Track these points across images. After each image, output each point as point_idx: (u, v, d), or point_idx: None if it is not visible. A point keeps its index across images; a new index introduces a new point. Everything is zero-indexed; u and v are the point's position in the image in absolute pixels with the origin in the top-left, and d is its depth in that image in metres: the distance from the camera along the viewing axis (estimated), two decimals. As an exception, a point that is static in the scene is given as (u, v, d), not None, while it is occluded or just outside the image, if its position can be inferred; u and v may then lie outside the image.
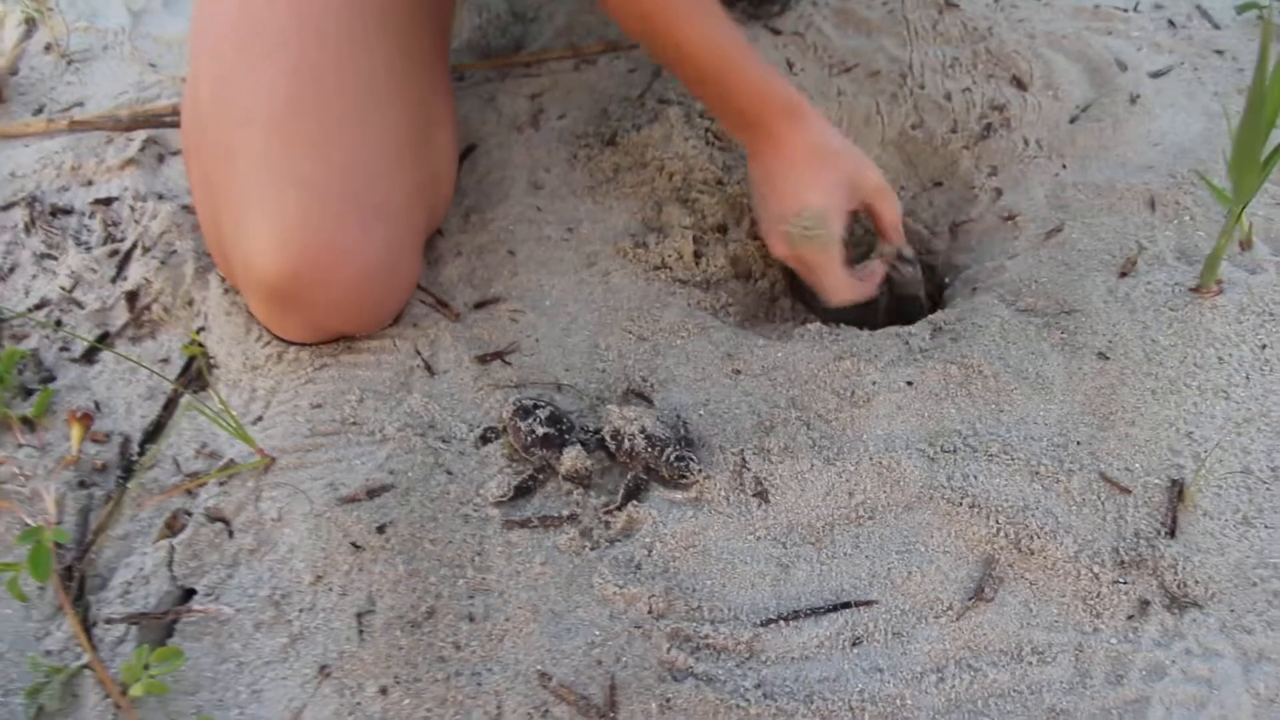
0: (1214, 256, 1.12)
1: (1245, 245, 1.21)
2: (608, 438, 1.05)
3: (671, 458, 1.02)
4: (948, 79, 1.51)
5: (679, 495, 1.02)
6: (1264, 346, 1.11)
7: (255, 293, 1.09)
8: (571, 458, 1.03)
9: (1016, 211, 1.34)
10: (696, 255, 1.30)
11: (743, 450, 1.05)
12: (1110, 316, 1.15)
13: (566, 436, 1.05)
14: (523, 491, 1.03)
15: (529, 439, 1.04)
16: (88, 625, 0.99)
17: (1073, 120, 1.44)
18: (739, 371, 1.14)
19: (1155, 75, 1.48)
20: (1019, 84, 1.49)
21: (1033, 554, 0.96)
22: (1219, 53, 1.52)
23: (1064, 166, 1.38)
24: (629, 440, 1.04)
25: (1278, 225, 1.23)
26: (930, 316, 1.22)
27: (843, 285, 1.22)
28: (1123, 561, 0.95)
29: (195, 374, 1.20)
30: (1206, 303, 1.14)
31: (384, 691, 0.90)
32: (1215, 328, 1.12)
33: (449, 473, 1.05)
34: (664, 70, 1.51)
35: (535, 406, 1.07)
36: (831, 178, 1.19)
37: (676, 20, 1.12)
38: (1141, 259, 1.21)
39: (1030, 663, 0.90)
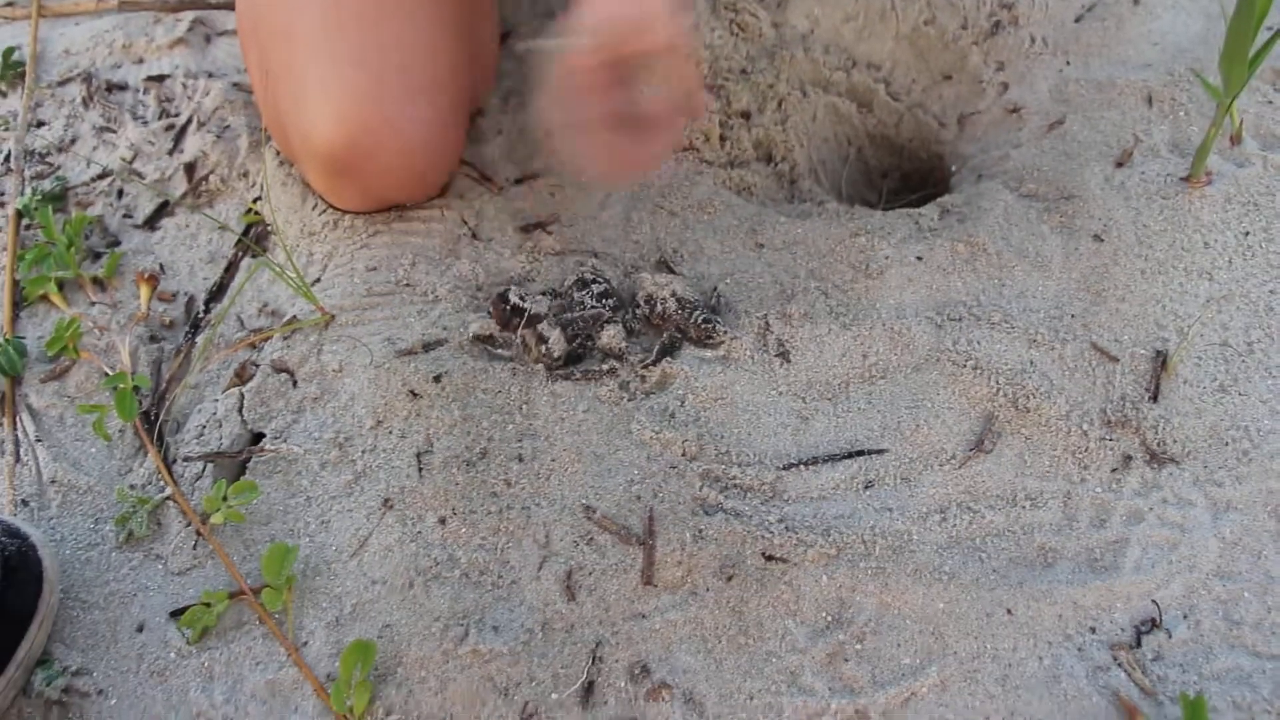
0: (1203, 148, 1.20)
1: (1235, 140, 1.28)
2: (641, 301, 1.14)
3: (699, 320, 1.11)
4: (960, -23, 1.57)
5: (709, 353, 1.11)
6: (1246, 234, 1.19)
7: (313, 163, 1.17)
8: (609, 335, 1.12)
9: (1021, 105, 1.41)
10: (722, 138, 1.37)
11: (766, 315, 1.13)
12: (1106, 203, 1.23)
13: (611, 315, 1.13)
14: (573, 359, 1.12)
15: (578, 308, 1.13)
16: (168, 462, 1.08)
17: (1078, 19, 1.50)
18: (762, 245, 1.22)
19: (1158, -23, 1.54)
20: (1028, -17, 1.55)
21: (1028, 412, 1.05)
22: (1221, -45, 1.58)
23: (1068, 63, 1.44)
24: (661, 304, 1.12)
25: (1267, 122, 1.30)
26: (939, 199, 1.29)
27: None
28: (1109, 421, 1.05)
29: (255, 239, 1.28)
30: (1196, 192, 1.22)
31: (443, 522, 1.00)
32: (1203, 215, 1.20)
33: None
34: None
35: (593, 281, 1.15)
36: None
37: None
38: (1137, 150, 1.29)
39: (1023, 507, 1.00)
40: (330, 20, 1.12)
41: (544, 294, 1.15)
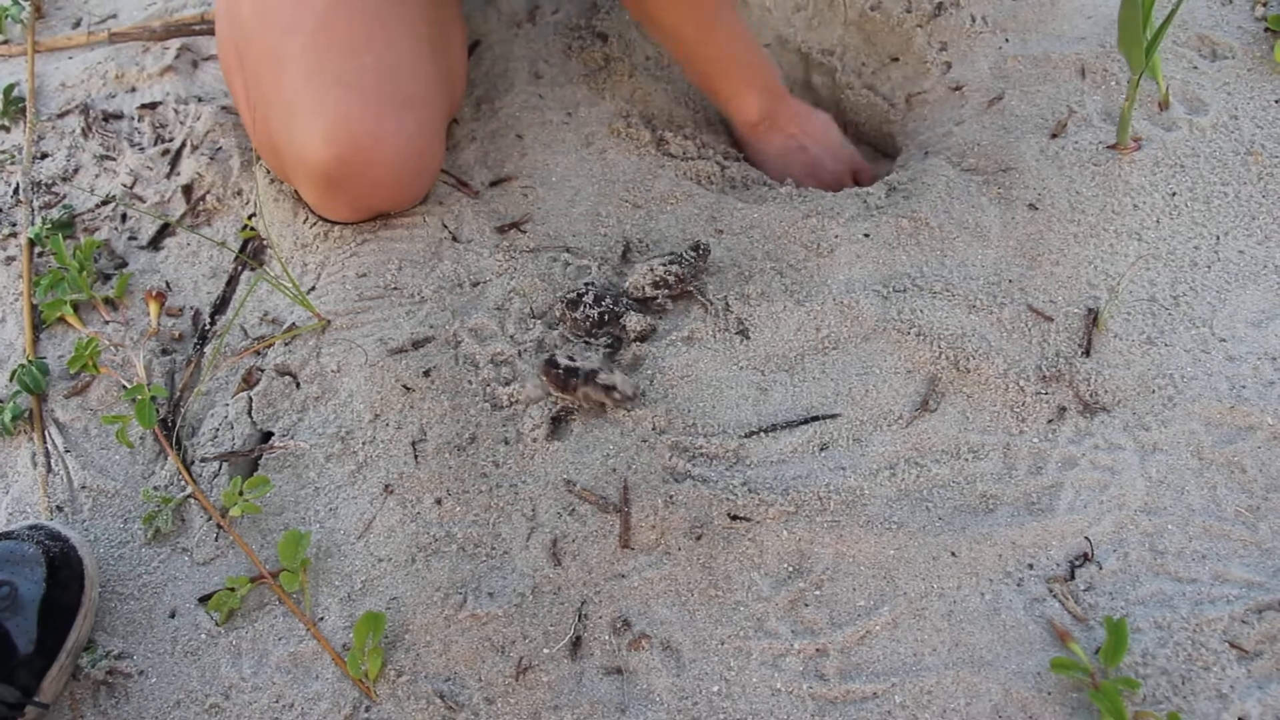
0: (1123, 119, 1.29)
1: (1163, 106, 1.37)
2: (650, 288, 1.23)
3: (701, 252, 1.24)
4: (904, -37, 1.66)
5: (675, 335, 1.20)
6: (1174, 194, 1.28)
7: (307, 180, 1.26)
8: (634, 322, 1.21)
9: (963, 82, 1.50)
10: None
11: (726, 296, 1.23)
12: (1041, 172, 1.31)
13: (616, 309, 1.22)
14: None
15: (588, 323, 1.21)
16: (187, 464, 1.18)
17: (1015, -4, 1.59)
18: (721, 231, 1.31)
19: (1091, -48, 1.62)
20: (968, -35, 1.64)
21: (969, 372, 1.14)
22: (1150, -72, 1.66)
23: (1006, 40, 1.52)
24: (672, 275, 1.22)
25: (1193, 87, 1.39)
26: (886, 178, 1.38)
27: None
28: (1045, 376, 1.14)
29: (252, 254, 1.38)
30: (1126, 158, 1.31)
31: (439, 502, 1.10)
32: (1132, 179, 1.29)
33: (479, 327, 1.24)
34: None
35: (580, 296, 1.23)
36: None
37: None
38: (1071, 121, 1.37)
39: (966, 459, 1.09)
40: (318, 45, 1.20)
41: (588, 347, 1.21)
